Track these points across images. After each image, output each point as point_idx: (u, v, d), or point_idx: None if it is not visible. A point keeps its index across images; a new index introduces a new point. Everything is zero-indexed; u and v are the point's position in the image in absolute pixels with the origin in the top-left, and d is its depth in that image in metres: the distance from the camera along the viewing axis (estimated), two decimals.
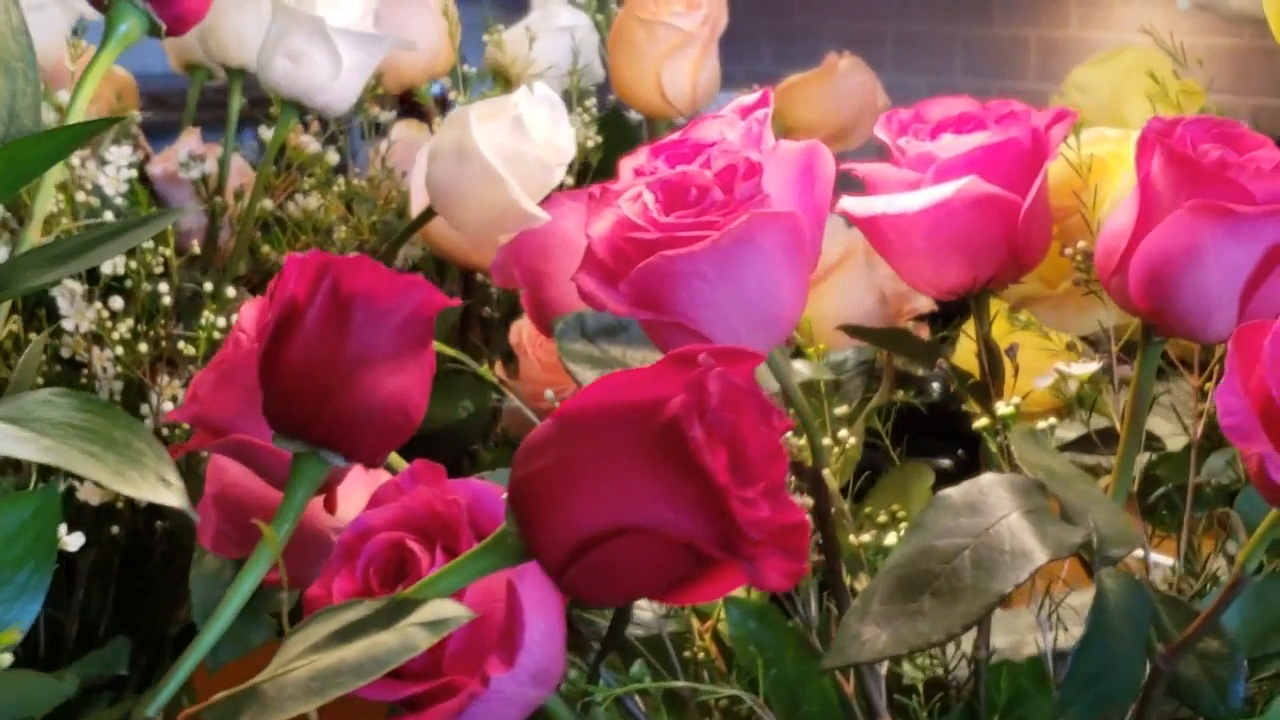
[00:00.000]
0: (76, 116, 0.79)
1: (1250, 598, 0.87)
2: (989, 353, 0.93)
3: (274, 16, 1.12)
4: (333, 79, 1.12)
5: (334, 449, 0.74)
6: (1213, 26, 1.96)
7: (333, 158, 1.30)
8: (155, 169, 1.31)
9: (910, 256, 0.92)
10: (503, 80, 1.35)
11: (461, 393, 1.18)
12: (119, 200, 1.13)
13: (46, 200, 0.78)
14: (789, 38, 3.85)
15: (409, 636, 0.58)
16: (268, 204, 1.26)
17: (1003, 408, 0.88)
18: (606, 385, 0.59)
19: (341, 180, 1.26)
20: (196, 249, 1.18)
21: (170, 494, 0.65)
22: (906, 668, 0.97)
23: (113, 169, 1.11)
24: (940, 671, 0.96)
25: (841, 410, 0.95)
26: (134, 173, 1.13)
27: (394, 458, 0.84)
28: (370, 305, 0.73)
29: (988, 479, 0.80)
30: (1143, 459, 1.00)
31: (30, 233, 0.78)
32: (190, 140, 1.31)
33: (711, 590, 0.60)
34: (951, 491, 0.80)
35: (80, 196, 1.10)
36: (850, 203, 0.91)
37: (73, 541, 0.77)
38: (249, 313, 0.84)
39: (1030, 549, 0.76)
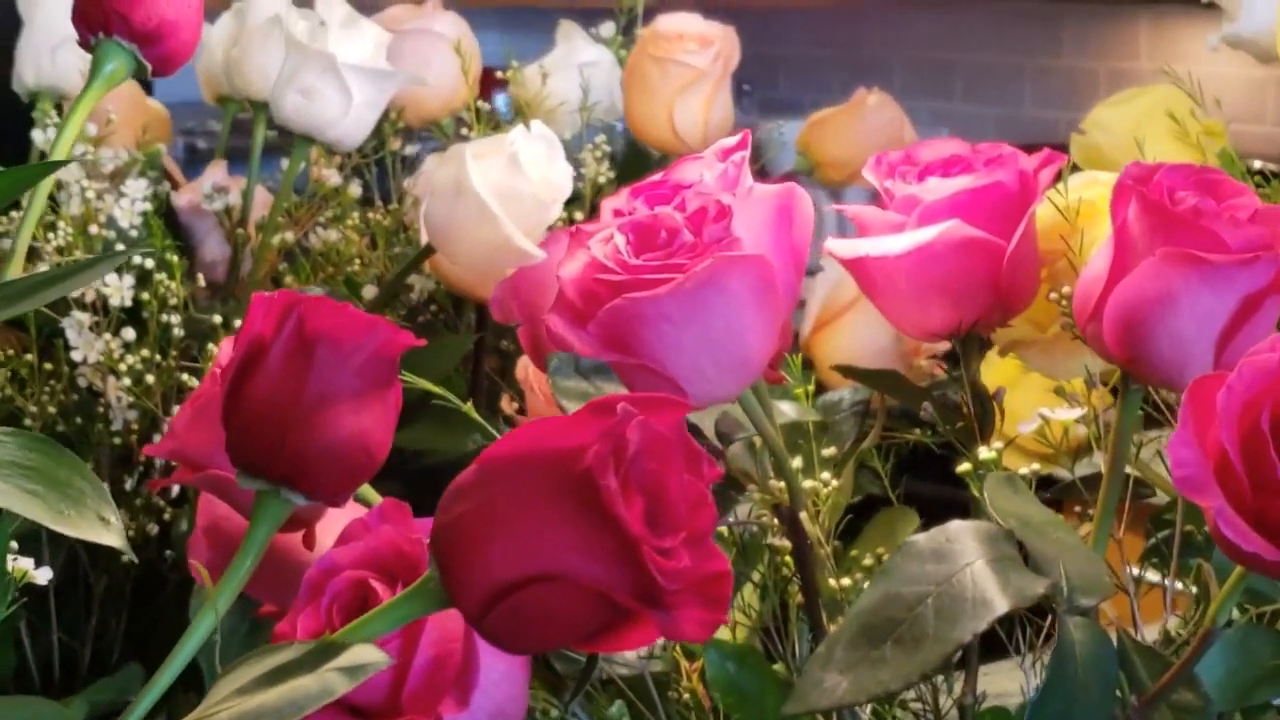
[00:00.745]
0: (61, 153, 0.79)
1: (1234, 647, 0.86)
2: (976, 397, 0.93)
3: (287, 53, 1.13)
4: (344, 114, 1.13)
5: (295, 488, 0.74)
6: None
7: (355, 191, 1.31)
8: (180, 200, 1.32)
9: (894, 299, 0.92)
10: (524, 116, 1.36)
11: (470, 426, 1.18)
12: (133, 233, 1.14)
13: (26, 238, 0.78)
14: (860, 68, 3.84)
15: (327, 682, 0.58)
16: (289, 236, 1.27)
17: (985, 452, 0.87)
18: (527, 432, 0.60)
19: (355, 214, 1.27)
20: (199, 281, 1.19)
21: (108, 533, 0.66)
22: (899, 713, 0.96)
23: (127, 202, 1.13)
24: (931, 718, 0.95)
25: (829, 452, 0.95)
26: (149, 205, 1.14)
27: (368, 492, 0.85)
28: (334, 345, 0.74)
29: (956, 526, 0.80)
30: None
31: (11, 268, 0.79)
32: (216, 172, 1.33)
33: (636, 638, 0.60)
34: (919, 538, 0.80)
35: (94, 229, 1.11)
36: (835, 244, 0.91)
37: (41, 575, 0.78)
38: (227, 349, 0.85)
39: (991, 598, 0.76)
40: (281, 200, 1.19)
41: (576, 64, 1.36)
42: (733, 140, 0.87)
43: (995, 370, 1.02)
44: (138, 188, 1.14)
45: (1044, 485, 0.96)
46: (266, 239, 1.18)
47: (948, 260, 0.89)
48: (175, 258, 1.08)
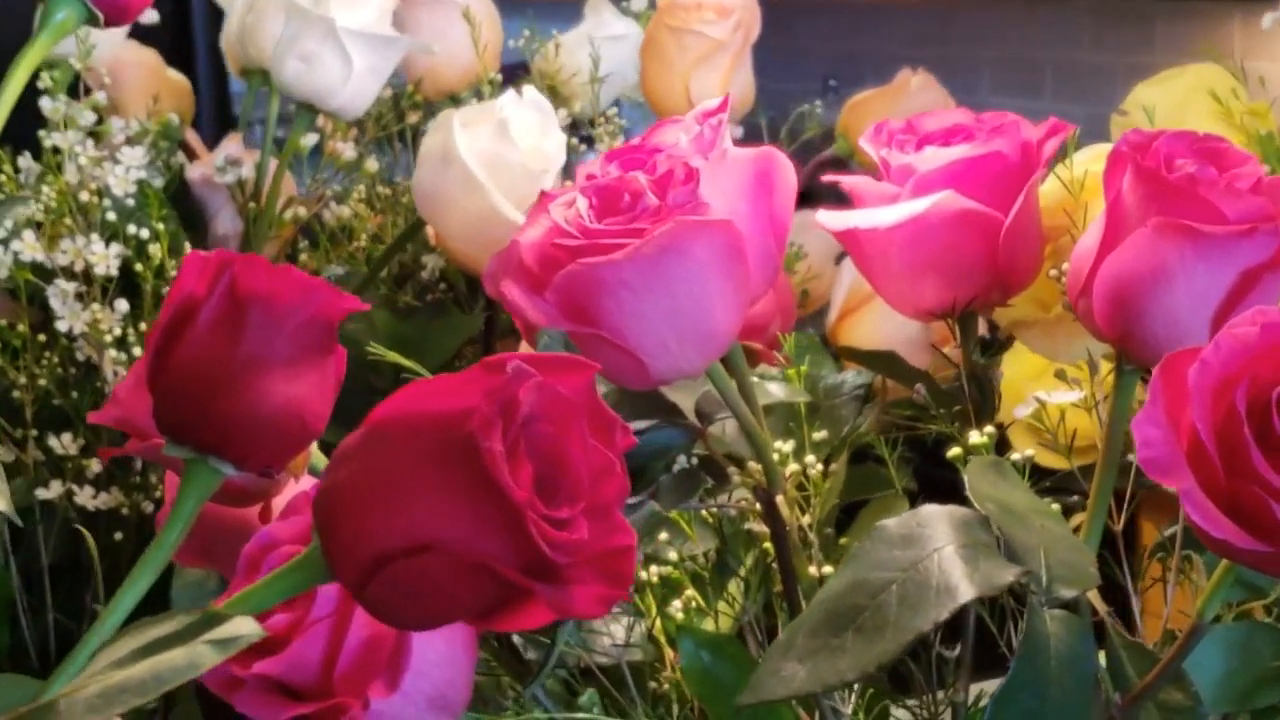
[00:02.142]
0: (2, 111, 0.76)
1: (1234, 647, 0.81)
2: (974, 380, 0.88)
3: (288, 18, 1.09)
4: (344, 82, 1.10)
5: (224, 456, 0.70)
6: None
7: (372, 165, 1.27)
8: (194, 173, 1.29)
9: (887, 275, 0.87)
10: (550, 90, 1.31)
11: None
12: (129, 202, 1.10)
13: None
14: (947, 66, 3.77)
15: (196, 655, 0.54)
16: (302, 211, 1.24)
17: (976, 437, 0.82)
18: (417, 391, 0.56)
19: (362, 187, 1.23)
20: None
21: None
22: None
23: (121, 170, 1.09)
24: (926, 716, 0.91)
25: (820, 435, 0.90)
26: (142, 174, 1.11)
27: (321, 463, 0.81)
28: (267, 307, 0.70)
29: (929, 510, 0.75)
30: None
31: None
32: (231, 144, 1.29)
33: (532, 616, 0.55)
34: (890, 522, 0.75)
35: (84, 196, 1.08)
36: (826, 216, 0.87)
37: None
38: None
39: (955, 585, 0.71)
40: (281, 171, 1.16)
41: (603, 37, 1.32)
42: (714, 102, 0.83)
43: (1025, 359, 0.97)
44: (134, 156, 1.11)
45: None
46: (269, 211, 1.14)
47: (941, 234, 0.84)
48: (162, 226, 1.05)
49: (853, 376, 0.99)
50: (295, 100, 1.12)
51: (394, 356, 0.88)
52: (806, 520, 0.88)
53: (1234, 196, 0.73)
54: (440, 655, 0.72)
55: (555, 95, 1.30)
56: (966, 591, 0.71)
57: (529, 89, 1.01)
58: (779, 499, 0.83)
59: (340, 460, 0.56)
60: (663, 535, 0.91)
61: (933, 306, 0.87)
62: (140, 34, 1.40)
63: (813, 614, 0.74)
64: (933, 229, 0.84)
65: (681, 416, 0.86)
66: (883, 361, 0.94)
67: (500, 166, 0.97)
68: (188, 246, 1.08)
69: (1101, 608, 0.81)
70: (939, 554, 0.73)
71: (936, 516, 0.75)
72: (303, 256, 1.29)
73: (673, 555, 0.91)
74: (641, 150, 0.81)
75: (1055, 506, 0.81)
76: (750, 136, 1.43)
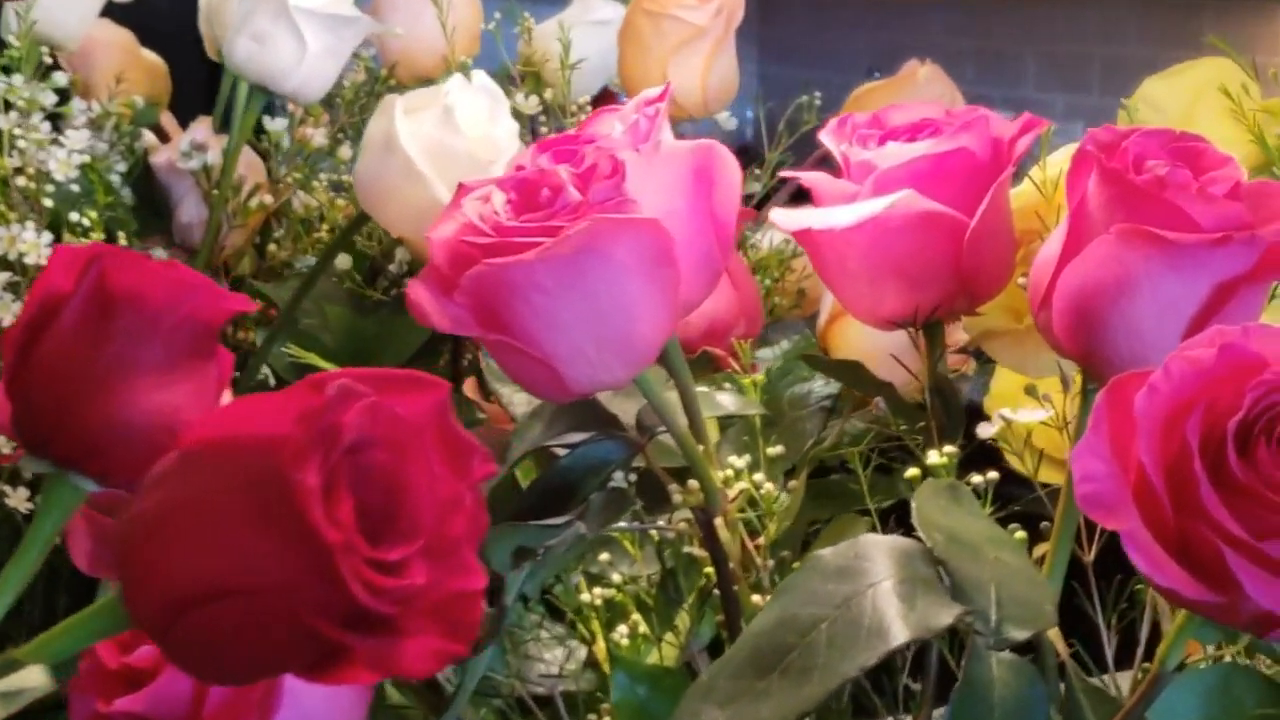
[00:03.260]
0: None
1: (1212, 693, 0.74)
2: (939, 393, 0.81)
3: None
4: (298, 63, 1.04)
5: (86, 471, 0.64)
6: None
7: (345, 153, 1.21)
8: (158, 159, 1.23)
9: (845, 279, 0.81)
10: (533, 77, 1.25)
11: None
12: (74, 188, 1.05)
13: None
14: (992, 59, 3.70)
15: None
16: (267, 199, 1.18)
17: (934, 457, 0.76)
18: (235, 411, 0.49)
19: (322, 175, 1.17)
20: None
21: None
22: None
23: (64, 153, 1.04)
24: None
25: (775, 450, 0.83)
26: (87, 158, 1.05)
27: None
28: (139, 306, 0.64)
29: (869, 540, 0.69)
30: None
31: None
32: (199, 129, 1.23)
33: (362, 673, 0.49)
34: (826, 552, 0.69)
35: (21, 181, 1.02)
36: (779, 215, 0.80)
37: None
38: None
39: (888, 626, 0.64)
40: (234, 156, 1.10)
41: (590, 22, 1.25)
42: (655, 90, 0.76)
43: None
44: (79, 138, 1.05)
45: None
46: (222, 196, 1.08)
47: (901, 237, 0.78)
48: (95, 215, 0.99)
49: (821, 385, 0.92)
50: (249, 82, 1.05)
51: (311, 357, 0.82)
52: (762, 542, 0.82)
53: (1207, 202, 0.66)
54: (322, 698, 0.66)
55: (537, 84, 1.23)
56: (899, 634, 0.64)
57: (478, 73, 0.94)
58: (718, 521, 0.77)
59: (146, 488, 0.49)
60: (604, 556, 0.85)
61: (893, 314, 0.80)
62: (142, 14, 1.34)
63: (738, 652, 0.67)
64: (892, 231, 0.77)
65: (620, 428, 0.80)
66: (847, 371, 0.87)
67: (445, 155, 0.90)
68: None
69: (1063, 648, 0.74)
70: (875, 590, 0.67)
71: (877, 547, 0.69)
72: (270, 246, 1.23)
73: (617, 577, 0.85)
74: (578, 140, 0.75)
75: (1020, 534, 0.75)
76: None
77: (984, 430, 0.79)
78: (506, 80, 1.23)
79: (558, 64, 1.22)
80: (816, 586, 0.68)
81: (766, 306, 1.24)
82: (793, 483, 0.86)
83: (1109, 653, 0.79)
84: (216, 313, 0.66)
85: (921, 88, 1.35)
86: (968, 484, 0.76)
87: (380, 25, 1.07)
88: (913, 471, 0.77)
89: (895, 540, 0.69)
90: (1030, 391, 0.80)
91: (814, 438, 0.89)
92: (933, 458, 0.76)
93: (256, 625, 0.46)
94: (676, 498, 0.79)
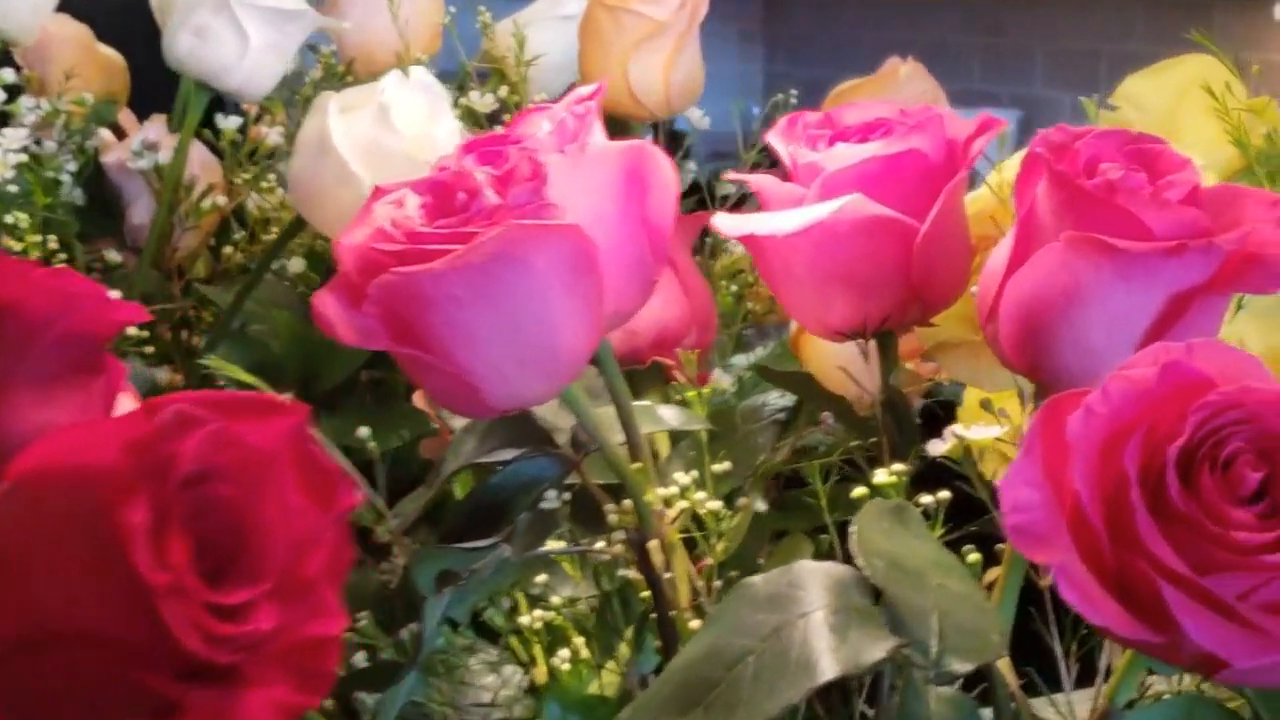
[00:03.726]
0: None
1: None
2: (891, 408, 0.77)
3: None
4: (239, 58, 1.00)
5: None
6: None
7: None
8: (110, 158, 1.19)
9: (792, 287, 0.77)
10: (499, 75, 1.21)
11: (399, 421, 1.04)
12: (11, 189, 1.01)
13: None
14: (1000, 56, 3.66)
15: None
16: (220, 200, 1.14)
17: (881, 475, 0.71)
18: (66, 439, 0.45)
19: (272, 176, 1.13)
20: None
21: None
22: None
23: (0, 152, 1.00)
24: None
25: (721, 467, 0.79)
26: (24, 156, 1.01)
27: None
28: (15, 317, 0.60)
29: (804, 567, 0.65)
30: None
31: None
32: (153, 127, 1.19)
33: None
34: (758, 580, 0.65)
35: None
36: (722, 220, 0.76)
37: None
38: None
39: (816, 661, 0.60)
40: (180, 155, 1.06)
41: (557, 17, 1.21)
42: (588, 88, 0.72)
43: None
44: (16, 137, 1.01)
45: None
46: (166, 195, 1.05)
47: (848, 243, 0.74)
48: (27, 217, 0.95)
49: (776, 398, 0.88)
50: (190, 77, 1.01)
51: (234, 370, 0.78)
52: (710, 562, 0.78)
53: (1161, 208, 0.62)
54: None
55: (502, 81, 1.19)
56: (828, 669, 0.60)
57: (417, 69, 0.90)
58: (653, 544, 0.73)
59: None
60: (541, 577, 0.81)
61: (842, 324, 0.76)
62: (101, 8, 1.30)
63: (664, 685, 0.63)
64: (838, 237, 0.73)
65: (555, 444, 0.76)
66: (798, 383, 0.83)
67: (380, 156, 0.86)
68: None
69: (1013, 679, 0.70)
70: (805, 621, 0.62)
71: (811, 574, 0.65)
72: (226, 248, 1.19)
73: (556, 600, 0.81)
74: (506, 140, 0.71)
75: (975, 557, 0.71)
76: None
77: (934, 448, 0.75)
78: (466, 77, 1.19)
79: (529, 59, 1.18)
80: (746, 616, 0.64)
81: (740, 312, 1.20)
82: (742, 500, 0.82)
83: (1067, 683, 0.75)
84: (103, 325, 0.61)
85: (903, 85, 1.31)
86: (917, 504, 0.72)
87: (326, 19, 1.02)
88: (860, 491, 0.72)
89: (831, 567, 0.65)
90: (986, 406, 0.75)
91: (767, 452, 0.85)
92: (881, 476, 0.71)
93: (81, 676, 0.42)
94: (613, 517, 0.75)
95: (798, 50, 4.02)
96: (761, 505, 1.04)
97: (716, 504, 0.76)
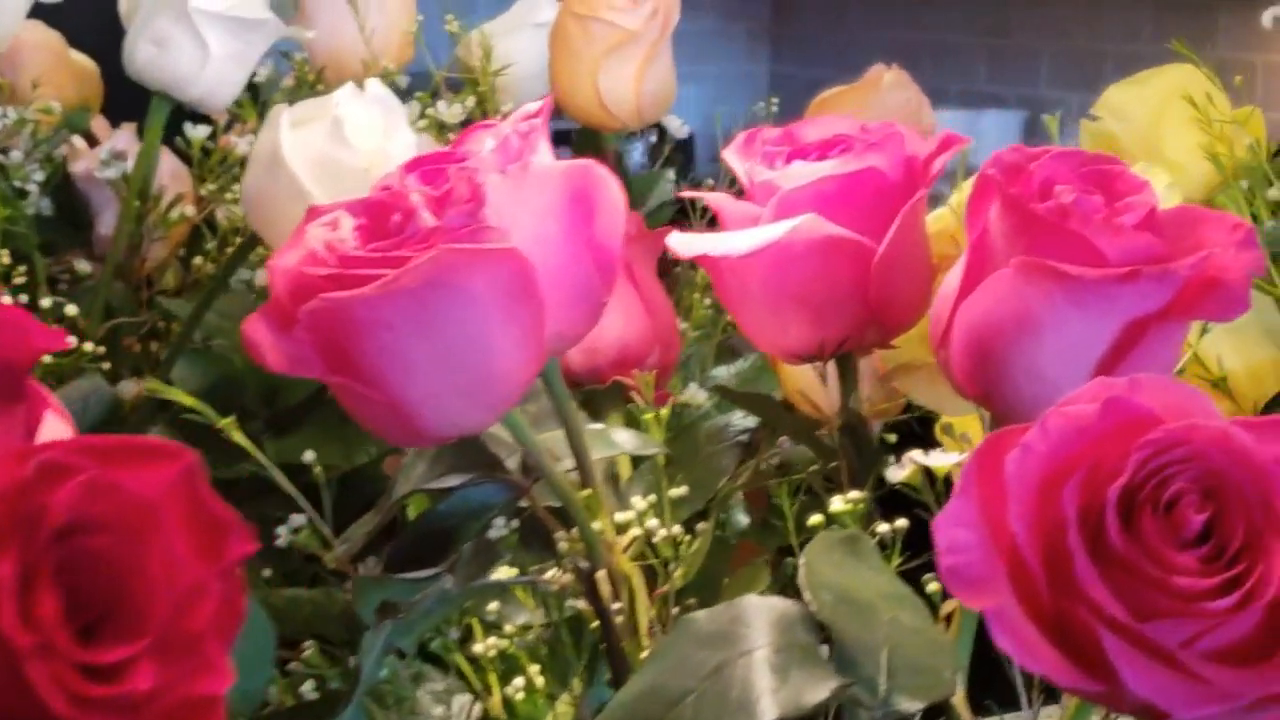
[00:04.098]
0: None
1: None
2: (851, 432, 0.75)
3: None
4: (200, 68, 0.98)
5: None
6: None
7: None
8: (77, 167, 1.18)
9: (747, 308, 0.75)
10: (472, 83, 1.19)
11: (364, 437, 1.02)
12: None
13: None
14: (1005, 56, 3.63)
15: None
16: (189, 210, 1.12)
17: (838, 503, 0.69)
18: None
19: (238, 186, 1.11)
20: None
21: None
22: None
23: None
24: None
25: (678, 492, 0.77)
26: None
27: None
28: None
29: (749, 602, 0.63)
30: None
31: None
32: (121, 136, 1.17)
33: None
34: (701, 615, 0.63)
35: None
36: (676, 240, 0.74)
37: None
38: None
39: (755, 702, 0.58)
40: (141, 165, 1.04)
41: (534, 24, 1.19)
42: (535, 105, 0.70)
43: None
44: None
45: None
46: (129, 205, 1.03)
47: (804, 264, 0.72)
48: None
49: (740, 418, 0.86)
50: (151, 88, 0.99)
51: (174, 393, 0.76)
52: (667, 589, 0.76)
53: (1114, 233, 0.60)
54: None
55: (475, 89, 1.17)
56: (767, 710, 0.58)
57: (372, 82, 0.88)
58: (600, 574, 0.71)
59: None
60: (493, 605, 0.79)
61: (798, 346, 0.74)
62: (75, 15, 1.28)
63: None
64: (793, 258, 0.71)
65: (504, 469, 0.74)
66: (759, 404, 0.81)
67: (333, 172, 0.84)
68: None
69: (968, 716, 0.68)
70: (747, 660, 0.61)
71: (756, 610, 0.63)
72: (196, 259, 1.17)
73: (510, 628, 0.79)
74: (451, 158, 0.69)
75: (935, 586, 0.69)
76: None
77: (893, 474, 0.73)
78: (438, 86, 1.17)
79: (497, 68, 1.16)
80: (688, 653, 0.62)
81: (721, 323, 1.18)
82: (701, 525, 0.80)
83: (1028, 712, 0.73)
84: (22, 352, 0.59)
85: (886, 93, 1.28)
86: (874, 534, 0.70)
87: (290, 29, 1.00)
88: (816, 519, 0.70)
89: (777, 603, 0.63)
90: (947, 431, 0.73)
91: (728, 475, 0.83)
92: (838, 504, 0.70)
93: None
94: (563, 545, 0.73)
95: (805, 51, 4.00)
96: (744, 520, 1.02)
97: (675, 529, 0.74)
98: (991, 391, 0.63)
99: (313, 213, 0.67)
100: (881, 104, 1.28)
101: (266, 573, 0.92)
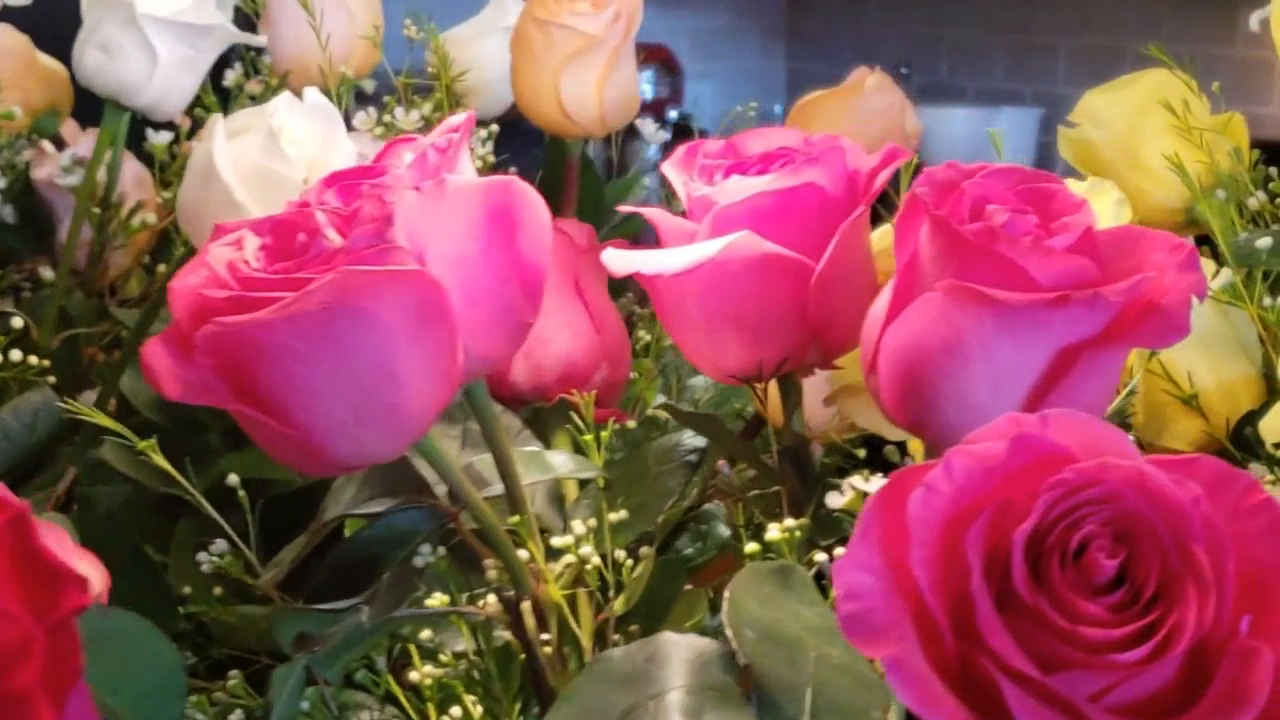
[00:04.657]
0: None
1: None
2: (791, 457, 0.72)
3: (90, 2, 0.95)
4: (148, 76, 0.95)
5: None
6: None
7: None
8: (40, 173, 1.15)
9: (685, 327, 0.72)
10: (443, 89, 1.16)
11: None
12: None
13: None
14: (1024, 53, 3.59)
15: None
16: (150, 217, 1.10)
17: (774, 531, 0.67)
18: None
19: None
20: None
21: None
22: None
23: None
24: None
25: (617, 516, 0.74)
26: None
27: None
28: None
29: (666, 640, 0.60)
30: None
31: None
32: (85, 141, 1.15)
33: None
34: (616, 654, 0.60)
35: None
36: (610, 256, 0.71)
37: None
38: None
39: None
40: (93, 172, 1.01)
41: (504, 28, 1.16)
42: (459, 118, 0.68)
43: None
44: None
45: None
46: (79, 212, 1.01)
47: (739, 282, 0.69)
48: None
49: (690, 437, 0.83)
50: (100, 94, 0.97)
51: (98, 416, 0.74)
52: (607, 615, 0.73)
53: (1044, 255, 0.57)
54: None
55: (447, 95, 1.15)
56: None
57: (310, 90, 0.86)
58: (525, 605, 0.68)
59: None
60: (426, 633, 0.76)
61: (736, 367, 0.71)
62: (47, 18, 1.26)
63: None
64: (729, 276, 0.69)
65: (431, 494, 0.71)
66: (705, 424, 0.78)
67: (269, 184, 0.81)
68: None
69: None
70: (659, 701, 0.58)
71: (673, 648, 0.60)
72: (161, 266, 1.14)
73: (444, 656, 0.76)
74: (372, 172, 0.67)
75: None
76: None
77: (833, 501, 0.70)
78: (406, 91, 1.14)
79: (468, 73, 1.14)
80: (599, 695, 0.59)
81: None
82: (644, 549, 0.77)
83: None
84: None
85: (868, 97, 1.26)
86: (811, 563, 0.67)
87: (243, 34, 0.98)
88: (753, 547, 0.68)
89: (695, 640, 0.60)
90: (888, 457, 0.71)
91: (675, 496, 0.80)
92: (773, 533, 0.67)
93: None
94: (492, 573, 0.71)
95: (820, 46, 3.96)
96: (726, 531, 0.99)
97: (618, 554, 0.71)
98: (921, 420, 0.60)
99: (219, 231, 0.64)
100: (864, 108, 1.26)
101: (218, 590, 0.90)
